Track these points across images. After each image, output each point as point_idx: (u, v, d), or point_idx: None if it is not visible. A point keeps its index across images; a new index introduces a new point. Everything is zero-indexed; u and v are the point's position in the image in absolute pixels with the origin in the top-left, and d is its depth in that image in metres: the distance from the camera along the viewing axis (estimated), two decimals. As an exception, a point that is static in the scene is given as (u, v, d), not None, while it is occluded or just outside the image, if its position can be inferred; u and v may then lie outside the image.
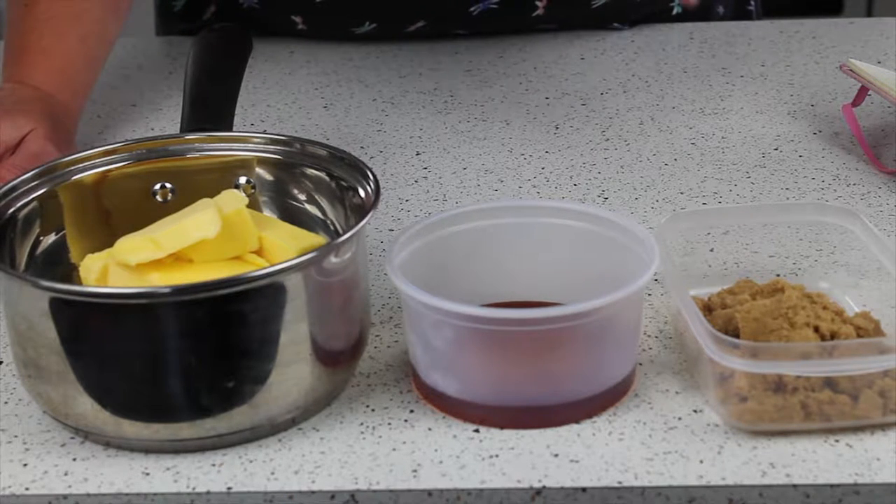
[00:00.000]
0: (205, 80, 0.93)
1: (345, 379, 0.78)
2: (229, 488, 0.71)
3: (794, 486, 0.70)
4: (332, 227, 0.84)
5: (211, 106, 0.90)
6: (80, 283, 0.78)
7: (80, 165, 0.84)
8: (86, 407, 0.72)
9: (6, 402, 0.78)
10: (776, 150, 1.08)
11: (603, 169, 1.05)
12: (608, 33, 1.32)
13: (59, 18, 1.08)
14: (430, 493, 0.70)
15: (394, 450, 0.73)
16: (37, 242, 0.82)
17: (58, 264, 0.82)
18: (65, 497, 0.71)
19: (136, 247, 0.74)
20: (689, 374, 0.79)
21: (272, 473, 0.72)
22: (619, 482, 0.70)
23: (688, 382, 0.78)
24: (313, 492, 0.71)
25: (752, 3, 1.40)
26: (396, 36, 1.30)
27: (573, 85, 1.21)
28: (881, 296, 0.82)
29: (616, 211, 0.86)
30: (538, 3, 1.28)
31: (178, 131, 0.88)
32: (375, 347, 0.82)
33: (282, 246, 0.77)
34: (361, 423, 0.75)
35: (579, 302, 0.72)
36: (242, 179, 0.86)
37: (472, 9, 1.27)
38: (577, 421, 0.75)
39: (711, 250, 0.92)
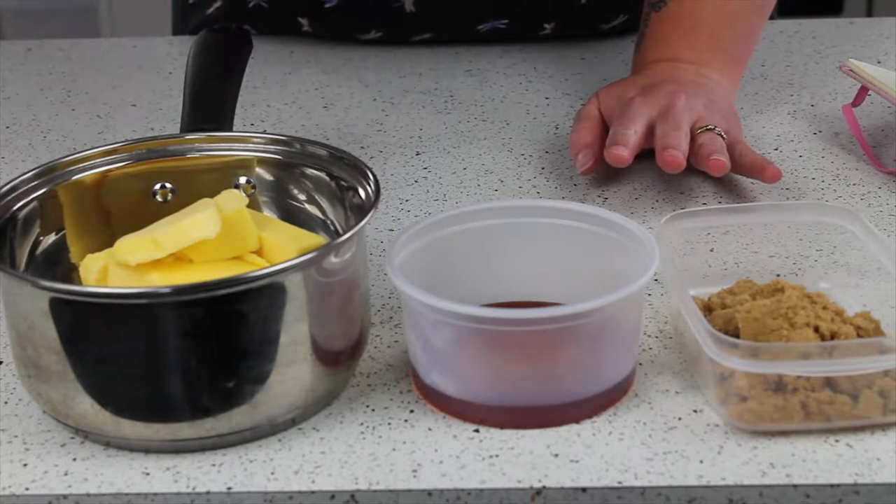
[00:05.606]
0: (205, 79, 0.93)
1: (345, 379, 0.78)
2: (229, 488, 0.71)
3: (794, 486, 0.70)
4: (332, 227, 0.84)
5: (211, 106, 0.90)
6: (80, 283, 0.78)
7: (80, 165, 0.84)
8: (86, 407, 0.72)
9: (6, 402, 0.78)
10: (776, 150, 1.08)
11: (603, 169, 1.04)
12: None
13: None
14: (430, 493, 0.70)
15: (394, 450, 0.73)
16: (37, 242, 0.82)
17: (58, 264, 0.82)
18: (65, 497, 0.71)
19: (136, 247, 0.74)
20: (689, 374, 0.79)
21: (272, 473, 0.72)
22: (619, 482, 0.70)
23: (688, 382, 0.78)
24: (313, 492, 0.71)
25: None
26: (401, 43, 1.30)
27: (573, 85, 1.21)
28: (881, 296, 0.81)
29: (616, 211, 0.86)
30: (546, 25, 1.28)
31: (178, 131, 0.88)
32: (375, 347, 0.82)
33: (282, 246, 0.77)
34: (361, 423, 0.75)
35: (579, 302, 0.72)
36: (242, 179, 0.86)
37: (480, 27, 1.27)
38: (577, 421, 0.75)
39: (711, 250, 0.92)
